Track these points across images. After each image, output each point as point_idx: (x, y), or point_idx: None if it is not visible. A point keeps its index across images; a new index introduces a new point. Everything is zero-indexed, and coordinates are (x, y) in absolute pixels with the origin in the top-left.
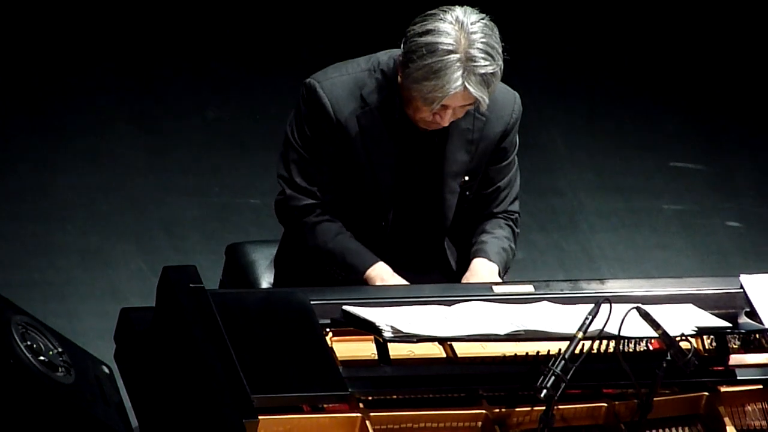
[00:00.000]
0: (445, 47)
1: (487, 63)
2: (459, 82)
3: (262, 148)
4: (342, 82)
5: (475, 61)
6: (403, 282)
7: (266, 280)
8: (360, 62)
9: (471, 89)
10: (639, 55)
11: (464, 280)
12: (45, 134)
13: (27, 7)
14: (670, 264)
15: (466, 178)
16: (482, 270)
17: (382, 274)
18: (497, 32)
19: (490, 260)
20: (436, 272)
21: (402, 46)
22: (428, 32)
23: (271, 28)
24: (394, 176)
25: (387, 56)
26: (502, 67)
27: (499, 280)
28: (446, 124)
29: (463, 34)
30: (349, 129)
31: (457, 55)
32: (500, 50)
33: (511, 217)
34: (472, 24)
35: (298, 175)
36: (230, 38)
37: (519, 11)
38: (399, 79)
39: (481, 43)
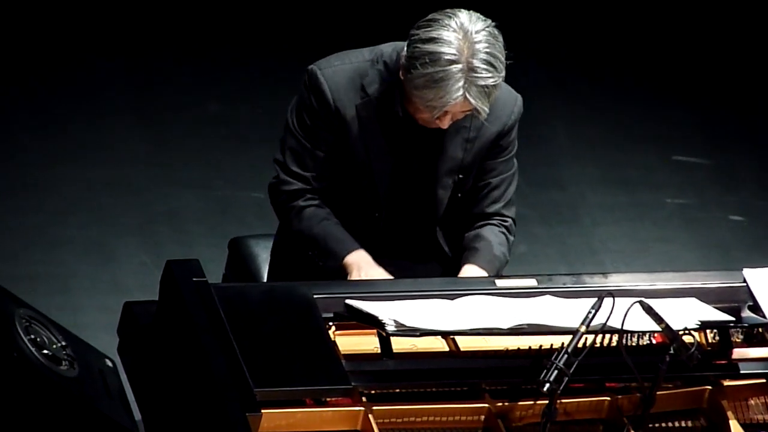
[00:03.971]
0: (447, 57)
1: (489, 75)
2: (459, 93)
3: (264, 141)
4: (343, 71)
5: (476, 72)
6: (383, 273)
7: None
8: (364, 52)
9: (471, 100)
10: (642, 48)
11: None
12: (47, 128)
13: (27, 1)
14: (672, 257)
15: (460, 176)
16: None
17: (359, 261)
18: (501, 39)
19: (482, 268)
20: (432, 262)
21: (405, 48)
22: (432, 40)
23: (274, 21)
24: (390, 168)
25: (391, 48)
26: (504, 77)
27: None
28: (446, 127)
29: (466, 43)
30: (347, 117)
31: (459, 66)
32: (503, 59)
33: (505, 223)
34: (476, 33)
35: (293, 160)
36: (233, 31)
37: (522, 3)
38: (401, 74)
39: (485, 53)
